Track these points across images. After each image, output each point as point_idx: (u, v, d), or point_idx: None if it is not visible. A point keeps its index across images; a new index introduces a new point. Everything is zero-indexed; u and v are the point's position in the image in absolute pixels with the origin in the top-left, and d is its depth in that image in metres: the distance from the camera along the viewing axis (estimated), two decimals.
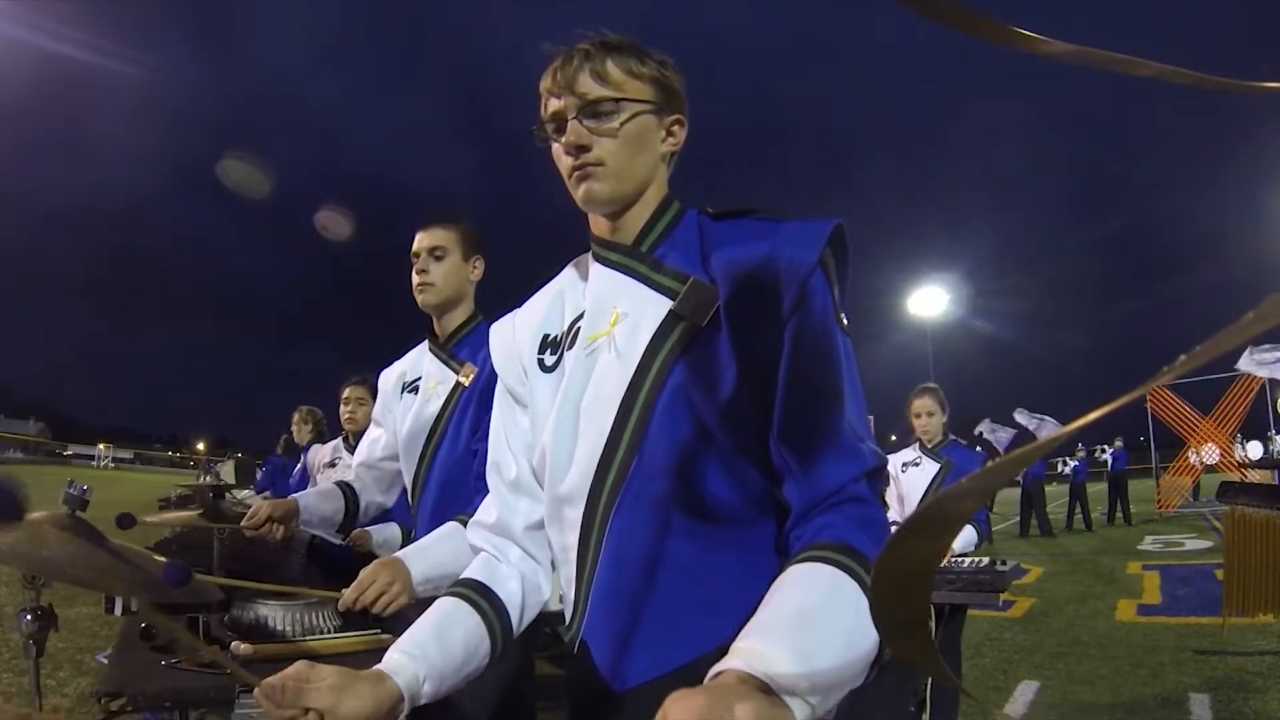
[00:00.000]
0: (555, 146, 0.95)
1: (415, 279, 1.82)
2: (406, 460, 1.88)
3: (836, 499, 0.82)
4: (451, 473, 1.77)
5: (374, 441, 2.04)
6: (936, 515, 0.36)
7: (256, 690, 0.74)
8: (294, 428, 4.83)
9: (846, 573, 0.73)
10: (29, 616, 1.25)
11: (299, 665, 0.78)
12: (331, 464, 4.03)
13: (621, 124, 0.91)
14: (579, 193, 0.94)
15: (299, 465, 4.67)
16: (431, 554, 1.59)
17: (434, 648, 0.89)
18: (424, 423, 1.82)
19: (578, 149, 0.91)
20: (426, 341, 1.92)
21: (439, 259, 1.82)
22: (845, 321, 0.88)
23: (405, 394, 1.93)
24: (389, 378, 2.00)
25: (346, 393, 3.85)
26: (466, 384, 1.78)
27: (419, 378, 1.90)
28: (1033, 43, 0.35)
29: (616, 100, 0.91)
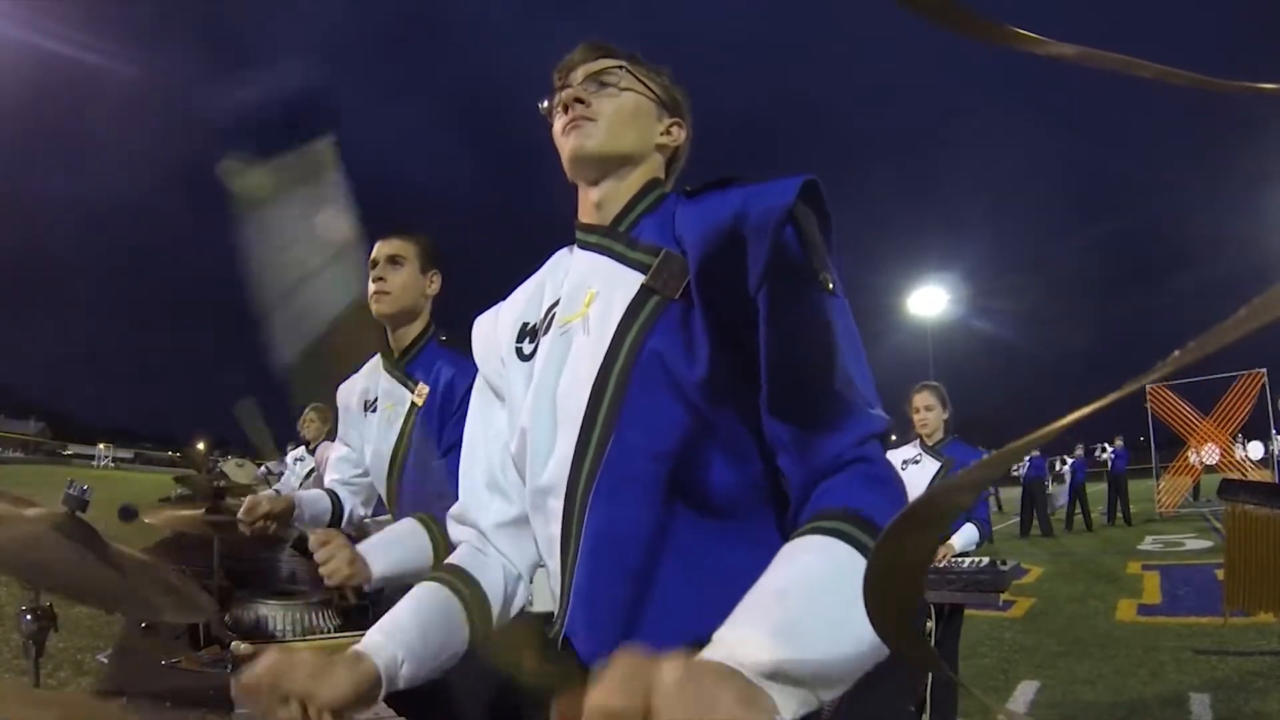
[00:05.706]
0: (556, 124, 0.96)
1: (371, 287, 1.79)
2: (377, 480, 1.91)
3: (838, 463, 0.74)
4: (423, 488, 1.77)
5: (341, 460, 2.05)
6: (930, 508, 0.36)
7: (236, 688, 0.74)
8: (303, 425, 4.81)
9: (842, 539, 0.64)
10: (29, 616, 1.25)
11: (273, 654, 0.76)
12: None
13: (620, 90, 0.95)
14: (568, 147, 0.94)
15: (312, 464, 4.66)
16: (395, 551, 1.59)
17: (414, 631, 0.87)
18: (389, 446, 1.84)
19: (576, 102, 0.93)
20: (380, 357, 1.91)
21: (397, 266, 1.79)
22: (831, 284, 0.80)
23: (369, 413, 1.93)
24: (350, 394, 1.99)
25: None
26: (420, 404, 1.78)
27: (378, 397, 1.91)
28: (1031, 43, 0.35)
29: (619, 70, 0.95)
